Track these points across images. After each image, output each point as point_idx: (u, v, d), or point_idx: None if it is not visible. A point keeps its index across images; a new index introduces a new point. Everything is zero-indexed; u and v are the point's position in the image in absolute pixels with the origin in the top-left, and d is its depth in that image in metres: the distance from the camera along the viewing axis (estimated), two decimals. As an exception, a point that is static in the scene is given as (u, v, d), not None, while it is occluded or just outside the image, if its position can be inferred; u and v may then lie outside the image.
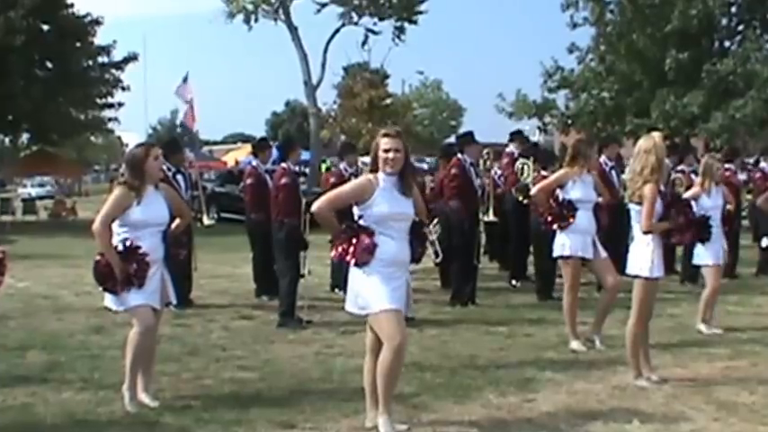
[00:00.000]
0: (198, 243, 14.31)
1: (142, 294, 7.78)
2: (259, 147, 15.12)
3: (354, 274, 7.04)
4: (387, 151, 6.98)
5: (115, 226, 7.86)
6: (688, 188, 12.62)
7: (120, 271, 7.65)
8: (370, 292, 6.92)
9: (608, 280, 10.28)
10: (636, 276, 8.62)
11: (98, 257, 7.79)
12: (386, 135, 7.08)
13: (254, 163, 14.86)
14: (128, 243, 7.74)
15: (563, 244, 10.33)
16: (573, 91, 37.23)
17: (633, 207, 8.64)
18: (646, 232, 8.50)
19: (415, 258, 7.38)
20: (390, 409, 7.11)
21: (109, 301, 7.94)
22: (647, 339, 8.87)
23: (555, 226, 10.33)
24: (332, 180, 14.40)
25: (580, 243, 10.24)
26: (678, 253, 15.26)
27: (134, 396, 7.91)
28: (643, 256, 8.54)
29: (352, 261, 6.94)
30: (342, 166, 14.79)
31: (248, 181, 14.56)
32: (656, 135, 8.71)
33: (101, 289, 7.86)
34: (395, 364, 6.95)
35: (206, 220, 16.40)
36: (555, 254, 10.47)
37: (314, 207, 7.17)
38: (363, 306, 6.99)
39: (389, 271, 6.93)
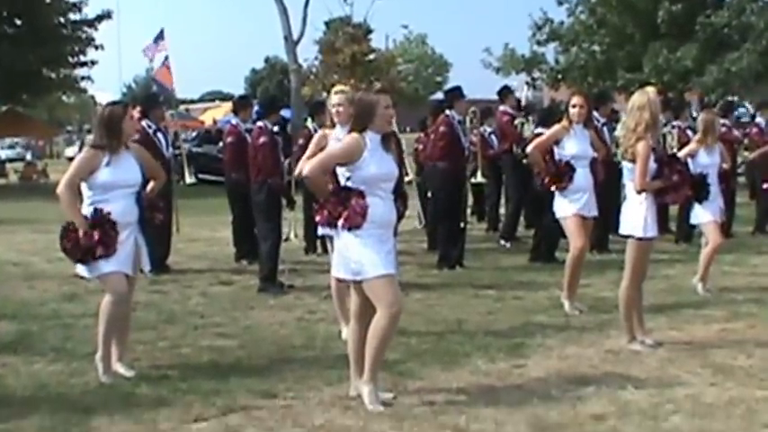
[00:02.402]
0: (175, 205, 14.06)
1: (114, 261, 7.51)
2: (239, 105, 14.88)
3: (345, 238, 6.81)
4: (388, 107, 6.84)
5: (84, 189, 7.60)
6: (683, 145, 12.36)
7: (85, 237, 7.36)
8: (364, 256, 6.71)
9: (576, 240, 10.04)
10: (629, 236, 8.39)
11: (66, 225, 7.50)
12: (383, 91, 6.99)
13: (234, 121, 14.64)
14: (96, 210, 7.46)
15: (563, 204, 10.12)
16: (563, 44, 36.96)
17: (626, 165, 8.41)
18: (639, 191, 8.26)
19: (398, 218, 7.25)
20: (376, 377, 6.89)
21: (80, 268, 7.69)
22: (640, 302, 8.64)
23: (553, 187, 10.08)
24: (300, 141, 13.99)
25: (580, 201, 10.05)
26: (672, 212, 15.07)
27: (108, 366, 7.67)
28: (636, 215, 8.32)
29: (344, 225, 6.73)
30: (311, 125, 14.38)
31: (228, 140, 14.33)
32: (650, 90, 8.49)
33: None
34: (388, 332, 6.78)
35: (188, 179, 16.19)
36: (556, 215, 10.27)
37: (306, 171, 7.00)
38: (357, 271, 6.76)
39: (380, 233, 6.75)
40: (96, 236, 7.38)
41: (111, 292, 7.58)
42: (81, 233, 7.39)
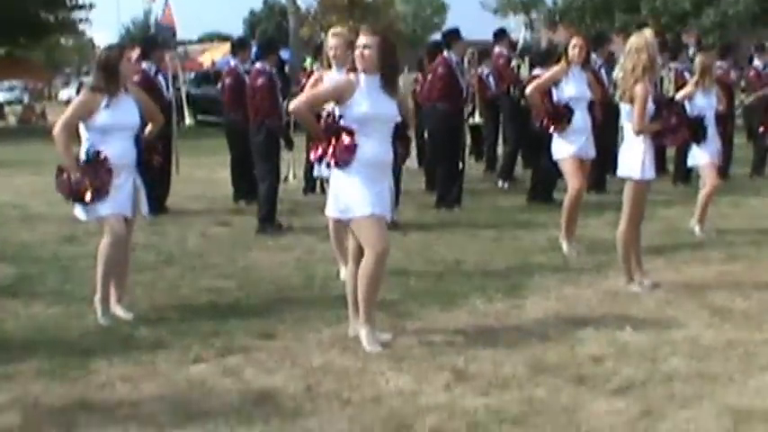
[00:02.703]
0: (175, 146, 14.02)
1: (112, 204, 7.49)
2: (238, 46, 14.93)
3: (336, 176, 6.85)
4: (359, 47, 6.75)
5: (83, 131, 7.57)
6: (680, 87, 12.30)
7: (76, 180, 7.36)
8: (352, 195, 6.71)
9: (574, 182, 10.02)
10: (627, 178, 8.36)
11: (60, 167, 7.49)
12: (362, 31, 6.87)
13: (233, 63, 14.64)
14: (90, 152, 7.45)
15: (561, 145, 10.08)
16: (561, -15, 36.71)
17: (624, 107, 8.37)
18: (637, 132, 8.22)
19: (398, 162, 7.19)
20: (372, 318, 6.89)
21: (78, 210, 7.67)
22: (639, 243, 8.63)
23: (552, 129, 10.03)
24: (304, 81, 14.00)
25: (578, 143, 10.01)
26: (670, 154, 15.04)
27: (107, 308, 7.68)
28: (634, 157, 8.29)
29: (333, 161, 6.75)
30: (314, 66, 14.36)
31: (227, 81, 14.35)
32: (648, 32, 8.42)
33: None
34: (376, 272, 6.75)
35: (188, 120, 16.15)
36: (554, 157, 10.22)
37: (291, 106, 7.09)
38: (344, 210, 6.79)
39: (371, 173, 6.72)
40: (88, 179, 7.35)
41: (109, 234, 7.55)
42: (72, 176, 7.37)
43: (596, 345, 6.82)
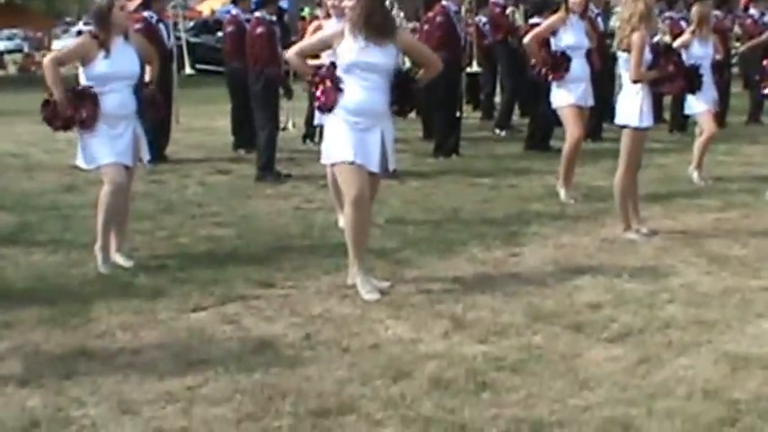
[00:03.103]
0: (175, 95, 14.00)
1: (112, 152, 7.51)
2: None
3: (326, 122, 7.00)
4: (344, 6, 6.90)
5: (82, 80, 7.57)
6: (676, 36, 12.25)
7: (63, 109, 7.41)
8: (334, 141, 6.83)
9: (573, 130, 10.01)
10: (624, 126, 8.37)
11: (47, 98, 7.51)
12: None
13: (234, 11, 14.59)
14: (80, 87, 7.48)
15: (560, 94, 10.08)
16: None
17: (622, 55, 8.38)
18: (635, 81, 8.22)
19: (396, 111, 7.09)
20: (364, 265, 6.94)
21: (79, 159, 7.71)
22: (636, 191, 8.64)
23: (550, 77, 10.02)
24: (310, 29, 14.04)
25: (576, 91, 10.01)
26: (666, 102, 15.01)
27: (107, 257, 7.69)
28: (632, 105, 8.30)
29: (317, 105, 6.98)
30: (318, 12, 14.35)
31: (228, 29, 14.40)
32: None
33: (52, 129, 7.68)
34: (355, 218, 6.81)
35: (188, 69, 16.10)
36: (553, 105, 10.22)
37: (287, 54, 7.27)
38: (327, 155, 6.93)
39: (355, 121, 6.76)
40: (73, 109, 7.40)
41: (109, 182, 7.55)
42: (58, 105, 7.41)
43: (594, 292, 6.86)
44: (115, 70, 7.47)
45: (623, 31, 8.25)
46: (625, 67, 8.36)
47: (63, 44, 44.36)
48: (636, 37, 8.10)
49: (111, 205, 7.58)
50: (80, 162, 7.72)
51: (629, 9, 8.20)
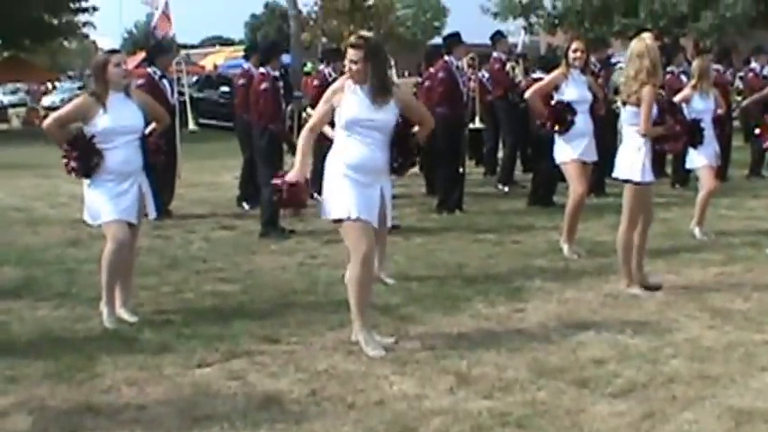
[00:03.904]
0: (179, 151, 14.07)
1: (115, 209, 7.56)
2: (251, 49, 15.04)
3: (326, 177, 6.97)
4: (350, 62, 6.86)
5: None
6: (677, 91, 12.35)
7: (63, 154, 7.54)
8: (337, 198, 6.84)
9: (576, 185, 10.06)
10: (627, 181, 8.42)
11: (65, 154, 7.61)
12: (351, 46, 6.92)
13: (246, 65, 14.74)
14: (79, 133, 7.57)
15: (563, 149, 10.14)
16: (559, -10, 36.77)
17: (629, 109, 8.41)
18: (644, 135, 8.27)
19: (396, 169, 7.19)
20: (366, 322, 6.95)
21: (85, 214, 7.76)
22: (644, 246, 8.68)
23: (555, 130, 10.09)
24: (315, 83, 14.19)
25: (580, 146, 10.07)
26: (668, 156, 15.05)
27: (112, 312, 7.71)
28: (635, 160, 8.35)
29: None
30: (327, 70, 14.48)
31: (240, 82, 14.46)
32: (647, 36, 8.47)
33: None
34: (361, 276, 6.83)
35: (190, 125, 16.16)
36: (556, 160, 10.27)
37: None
38: (329, 212, 6.92)
39: (358, 177, 6.80)
40: (74, 153, 7.47)
41: (111, 240, 7.59)
42: (62, 150, 7.52)
43: (598, 348, 6.86)
44: (116, 125, 7.51)
45: (629, 87, 8.31)
46: (629, 122, 8.42)
47: (52, 99, 44.86)
48: (646, 91, 8.17)
49: (114, 263, 7.61)
50: (86, 217, 7.78)
51: (634, 66, 8.27)
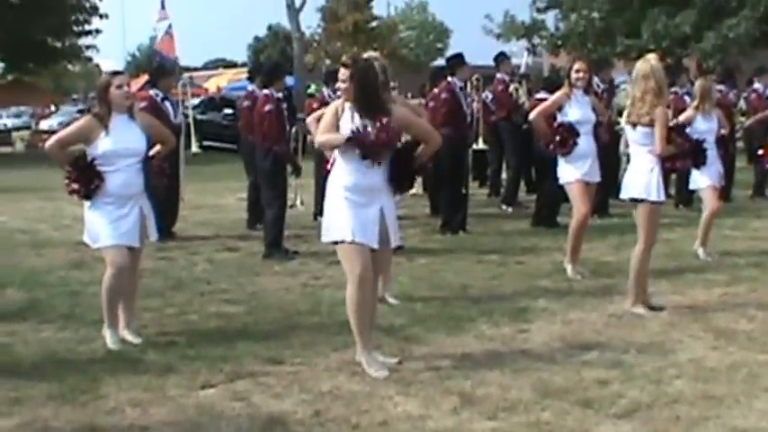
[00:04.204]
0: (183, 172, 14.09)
1: (115, 234, 7.55)
2: (256, 71, 14.94)
3: (326, 198, 6.99)
4: (340, 81, 7.03)
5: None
6: (680, 111, 12.37)
7: (65, 176, 7.56)
8: (334, 219, 6.86)
9: (580, 206, 10.08)
10: (641, 200, 8.43)
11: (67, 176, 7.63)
12: (342, 65, 7.06)
13: (251, 87, 14.65)
14: (81, 155, 7.57)
15: (567, 170, 10.16)
16: (562, 11, 36.82)
17: (639, 130, 8.41)
18: (659, 155, 8.34)
19: (397, 188, 7.13)
20: (368, 344, 6.96)
21: (85, 236, 7.78)
22: (648, 266, 8.69)
23: (558, 152, 10.12)
24: (314, 105, 14.18)
25: (583, 167, 10.09)
26: (671, 177, 15.08)
27: (116, 333, 7.72)
28: (649, 179, 8.38)
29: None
30: (326, 91, 14.50)
31: (245, 104, 14.31)
32: (652, 57, 8.53)
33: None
34: (358, 298, 6.83)
35: (193, 148, 16.17)
36: (560, 181, 10.29)
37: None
38: (326, 234, 6.95)
39: (356, 198, 6.80)
40: (75, 175, 7.48)
41: (110, 264, 7.61)
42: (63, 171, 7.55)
43: (602, 368, 6.86)
44: (118, 148, 7.50)
45: (637, 107, 8.34)
46: (641, 142, 8.43)
47: (50, 123, 44.96)
48: (660, 112, 8.23)
49: (114, 287, 7.64)
50: (85, 238, 7.80)
51: (639, 87, 8.32)
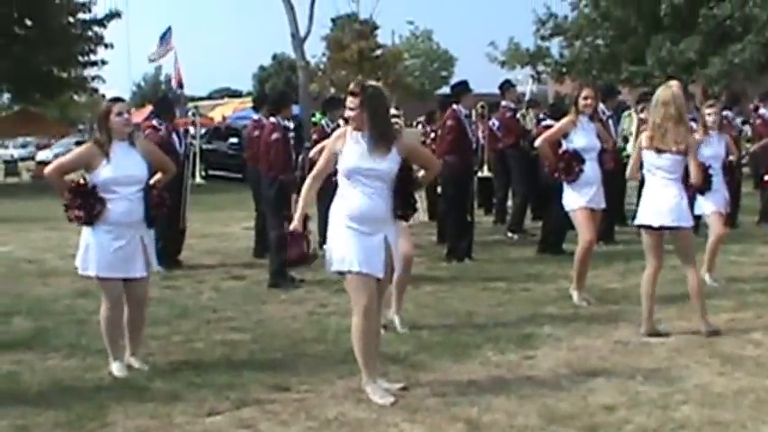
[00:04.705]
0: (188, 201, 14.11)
1: (107, 266, 7.54)
2: (261, 100, 14.96)
3: (329, 227, 6.97)
4: (348, 109, 6.92)
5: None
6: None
7: (65, 202, 7.55)
8: (339, 249, 6.84)
9: (585, 233, 10.08)
10: (678, 228, 8.49)
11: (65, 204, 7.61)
12: (349, 93, 6.96)
13: (257, 116, 14.66)
14: (82, 181, 7.56)
15: (572, 197, 10.17)
16: (567, 38, 37.03)
17: (668, 157, 8.43)
18: (696, 182, 8.52)
19: (400, 216, 7.11)
20: (373, 373, 6.95)
21: (77, 260, 7.74)
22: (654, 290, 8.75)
23: (564, 179, 10.13)
24: (314, 136, 14.19)
25: (588, 194, 10.10)
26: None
27: (120, 361, 7.74)
28: (683, 206, 8.48)
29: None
30: (323, 121, 14.50)
31: (255, 134, 14.20)
32: (674, 84, 8.60)
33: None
34: (363, 328, 6.84)
35: (197, 178, 16.16)
36: (565, 207, 10.29)
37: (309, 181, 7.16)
38: (332, 263, 6.93)
39: (359, 227, 6.78)
40: (77, 202, 7.47)
41: (106, 298, 7.68)
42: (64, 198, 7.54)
43: (608, 394, 6.86)
44: (119, 175, 7.49)
45: (660, 134, 8.37)
46: (671, 170, 8.46)
47: (47, 155, 45.13)
48: (693, 140, 8.37)
49: (112, 319, 7.70)
50: (77, 262, 7.73)
51: (659, 113, 8.37)
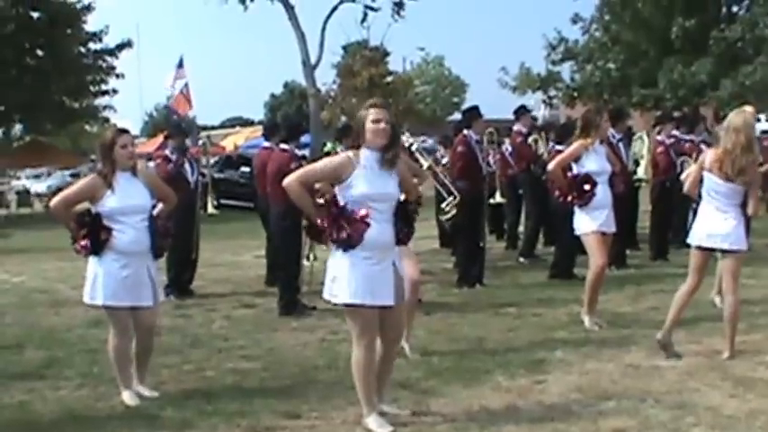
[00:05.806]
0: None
1: (113, 296, 7.59)
2: (272, 129, 14.90)
3: (333, 256, 6.77)
4: (376, 122, 6.64)
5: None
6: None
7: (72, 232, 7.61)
8: (343, 280, 6.63)
9: (597, 257, 10.09)
10: (732, 252, 8.52)
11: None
12: (374, 106, 6.75)
13: (267, 145, 14.52)
14: (85, 212, 7.62)
15: (583, 221, 10.17)
16: (578, 63, 37.13)
17: (731, 186, 8.40)
18: (753, 215, 8.63)
19: (401, 240, 6.95)
20: (374, 407, 6.85)
21: (85, 291, 7.80)
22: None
23: (575, 203, 10.15)
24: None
25: (600, 218, 10.10)
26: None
27: (132, 392, 7.77)
28: (741, 231, 8.47)
29: (333, 243, 6.67)
30: (339, 149, 14.49)
31: (265, 162, 14.18)
32: (748, 110, 8.53)
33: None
34: (366, 362, 6.74)
35: (209, 209, 16.14)
36: (577, 232, 10.29)
37: (284, 182, 6.88)
38: (335, 294, 6.72)
39: (368, 257, 6.61)
40: (83, 232, 7.52)
41: (113, 326, 7.75)
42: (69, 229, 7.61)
43: (619, 418, 6.85)
44: (123, 205, 7.54)
45: (731, 161, 8.32)
46: (731, 197, 8.45)
47: (42, 187, 45.29)
48: (757, 174, 8.43)
49: (120, 348, 7.76)
50: (84, 293, 7.79)
51: (731, 139, 8.30)
